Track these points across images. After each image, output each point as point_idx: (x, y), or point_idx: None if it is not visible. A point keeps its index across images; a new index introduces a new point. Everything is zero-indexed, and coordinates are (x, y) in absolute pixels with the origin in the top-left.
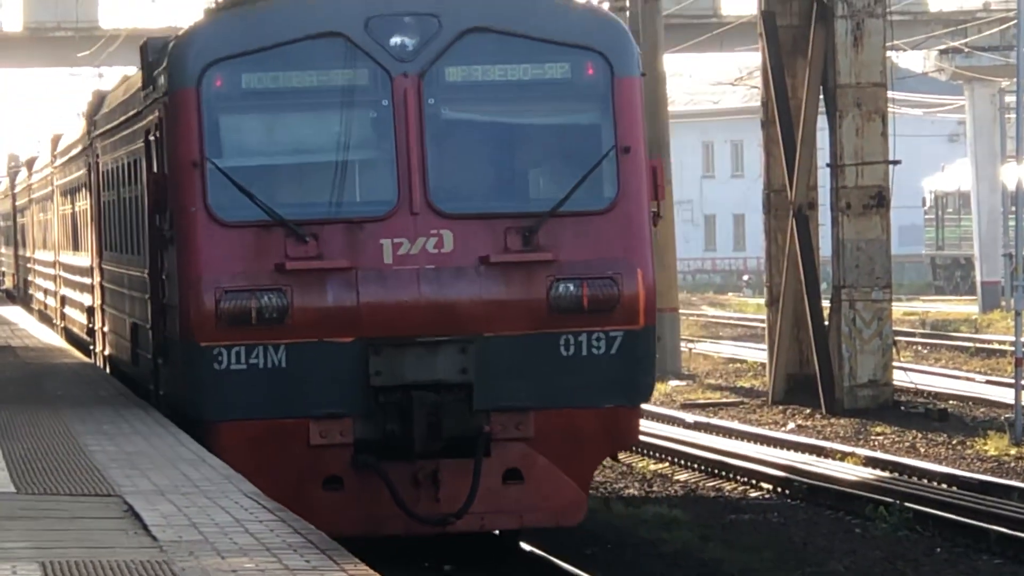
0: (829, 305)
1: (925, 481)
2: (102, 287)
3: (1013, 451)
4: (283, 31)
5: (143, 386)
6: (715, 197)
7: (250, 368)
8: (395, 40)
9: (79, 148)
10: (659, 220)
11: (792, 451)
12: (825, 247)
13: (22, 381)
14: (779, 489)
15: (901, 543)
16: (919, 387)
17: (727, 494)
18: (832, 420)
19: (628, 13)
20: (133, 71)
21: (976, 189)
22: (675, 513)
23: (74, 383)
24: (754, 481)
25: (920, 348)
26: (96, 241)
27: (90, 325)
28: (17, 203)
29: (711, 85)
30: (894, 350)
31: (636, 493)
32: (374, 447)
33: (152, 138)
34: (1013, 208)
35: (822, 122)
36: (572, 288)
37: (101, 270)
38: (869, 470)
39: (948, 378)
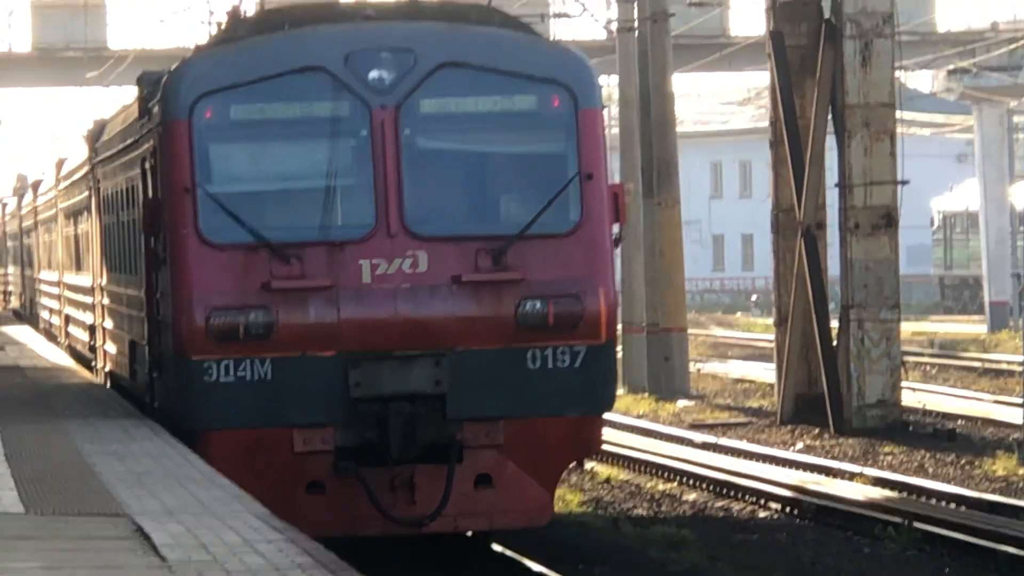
0: (838, 325)
1: (934, 501)
2: (103, 306)
3: (1021, 471)
4: (269, 65)
5: (140, 399)
6: (723, 217)
7: (238, 380)
8: (373, 74)
9: (81, 173)
10: (620, 243)
11: (801, 471)
12: (833, 267)
13: (31, 401)
14: (788, 509)
15: (910, 563)
16: (928, 407)
17: (736, 514)
18: (841, 440)
19: (637, 33)
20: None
21: (984, 209)
22: (684, 533)
23: (82, 403)
24: (763, 501)
25: (928, 368)
26: (97, 262)
27: (92, 342)
28: (24, 224)
29: (720, 105)
30: (902, 370)
31: (644, 513)
32: (354, 454)
33: (148, 165)
34: (1021, 228)
35: (831, 142)
36: (539, 305)
37: (102, 290)
38: (878, 490)
39: (957, 398)
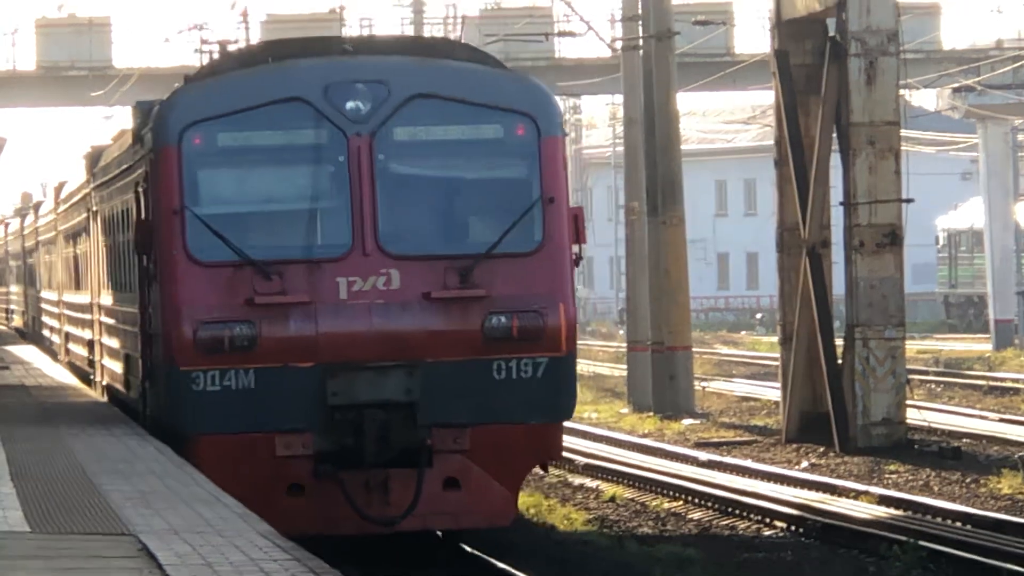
0: (843, 343)
1: (939, 519)
2: (100, 323)
3: None
4: (253, 96)
5: (134, 408)
6: (728, 235)
7: (224, 389)
8: (350, 104)
9: (79, 196)
10: (580, 261)
11: (806, 489)
12: (838, 285)
13: (36, 420)
14: (793, 528)
15: None
16: (933, 425)
17: (741, 532)
18: (846, 458)
19: (641, 52)
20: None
21: (989, 227)
22: (689, 552)
23: (87, 421)
24: (768, 520)
25: (933, 386)
26: (95, 281)
27: (90, 357)
28: (26, 244)
29: (724, 123)
30: (907, 388)
31: (650, 531)
32: (331, 458)
33: (140, 188)
34: None
35: (835, 160)
36: (504, 320)
37: (99, 307)
38: (883, 508)
39: (962, 416)
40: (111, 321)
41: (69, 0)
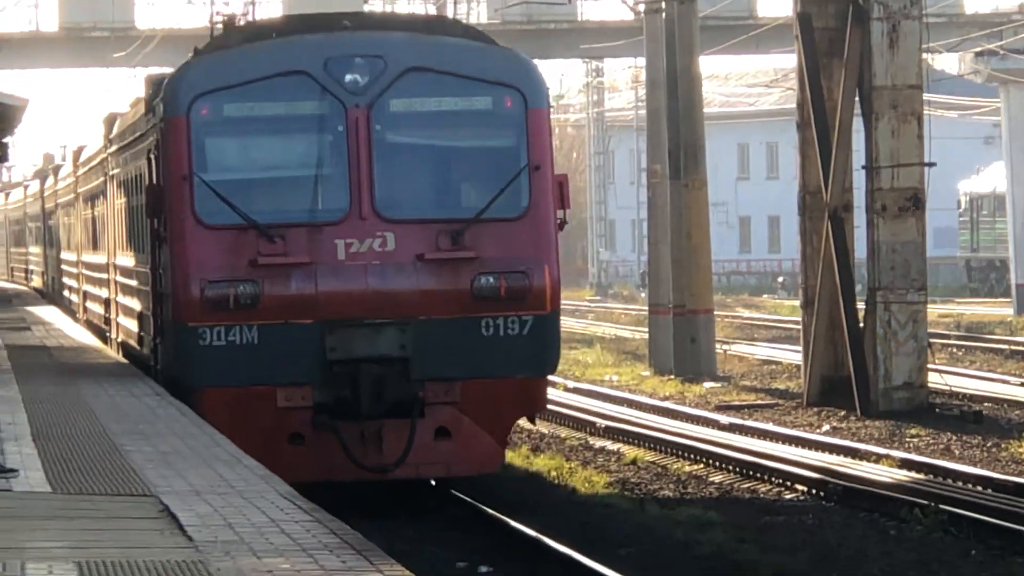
0: (864, 307)
1: (960, 483)
2: (116, 282)
3: None
4: (258, 69)
5: (145, 363)
6: (750, 199)
7: (228, 344)
8: (349, 77)
9: (97, 160)
10: (564, 226)
11: (827, 453)
12: (860, 249)
13: (57, 381)
14: (814, 491)
15: (936, 545)
16: (954, 389)
17: (762, 496)
18: (867, 422)
19: (664, 15)
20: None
21: (1011, 191)
22: (710, 515)
23: (108, 382)
24: (789, 483)
25: (955, 350)
26: (111, 242)
27: (107, 315)
28: (46, 206)
29: (747, 87)
30: (929, 352)
31: (671, 494)
32: (329, 409)
33: (152, 155)
34: None
35: (858, 124)
36: (491, 280)
37: (115, 267)
38: (904, 472)
39: (983, 380)
40: (126, 281)
41: None
